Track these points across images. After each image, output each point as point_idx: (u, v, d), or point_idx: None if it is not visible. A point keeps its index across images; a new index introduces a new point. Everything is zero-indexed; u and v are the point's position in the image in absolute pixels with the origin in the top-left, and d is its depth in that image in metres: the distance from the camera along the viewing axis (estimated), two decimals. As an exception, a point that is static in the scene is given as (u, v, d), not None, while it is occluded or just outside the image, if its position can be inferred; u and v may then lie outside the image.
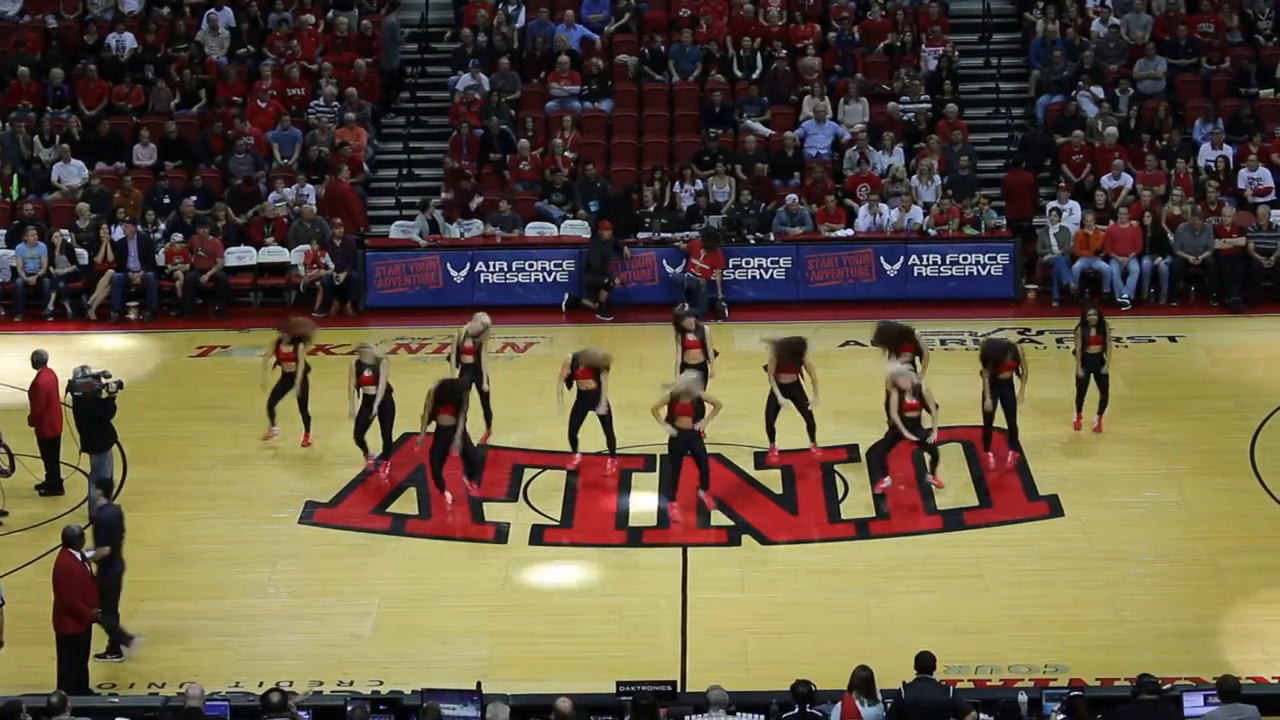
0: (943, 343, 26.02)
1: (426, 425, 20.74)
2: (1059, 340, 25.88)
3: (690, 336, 22.38)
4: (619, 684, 14.96)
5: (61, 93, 31.80)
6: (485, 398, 22.47)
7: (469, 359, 22.44)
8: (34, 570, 18.89)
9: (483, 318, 22.68)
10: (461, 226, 29.49)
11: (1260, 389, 24.29)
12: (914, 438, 20.69)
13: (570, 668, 17.18)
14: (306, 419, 22.65)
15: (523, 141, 30.75)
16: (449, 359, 22.84)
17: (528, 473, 21.78)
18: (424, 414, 20.72)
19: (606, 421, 21.63)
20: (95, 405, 20.64)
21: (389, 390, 21.63)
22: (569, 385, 21.59)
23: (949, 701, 14.56)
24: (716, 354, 22.53)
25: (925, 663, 14.72)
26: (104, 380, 20.72)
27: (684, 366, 22.21)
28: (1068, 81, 31.44)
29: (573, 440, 21.74)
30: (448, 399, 20.61)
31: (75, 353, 23.86)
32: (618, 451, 21.83)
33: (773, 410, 21.79)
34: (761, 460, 21.93)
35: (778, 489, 21.38)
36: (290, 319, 22.83)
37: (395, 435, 21.79)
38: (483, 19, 32.83)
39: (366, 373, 21.58)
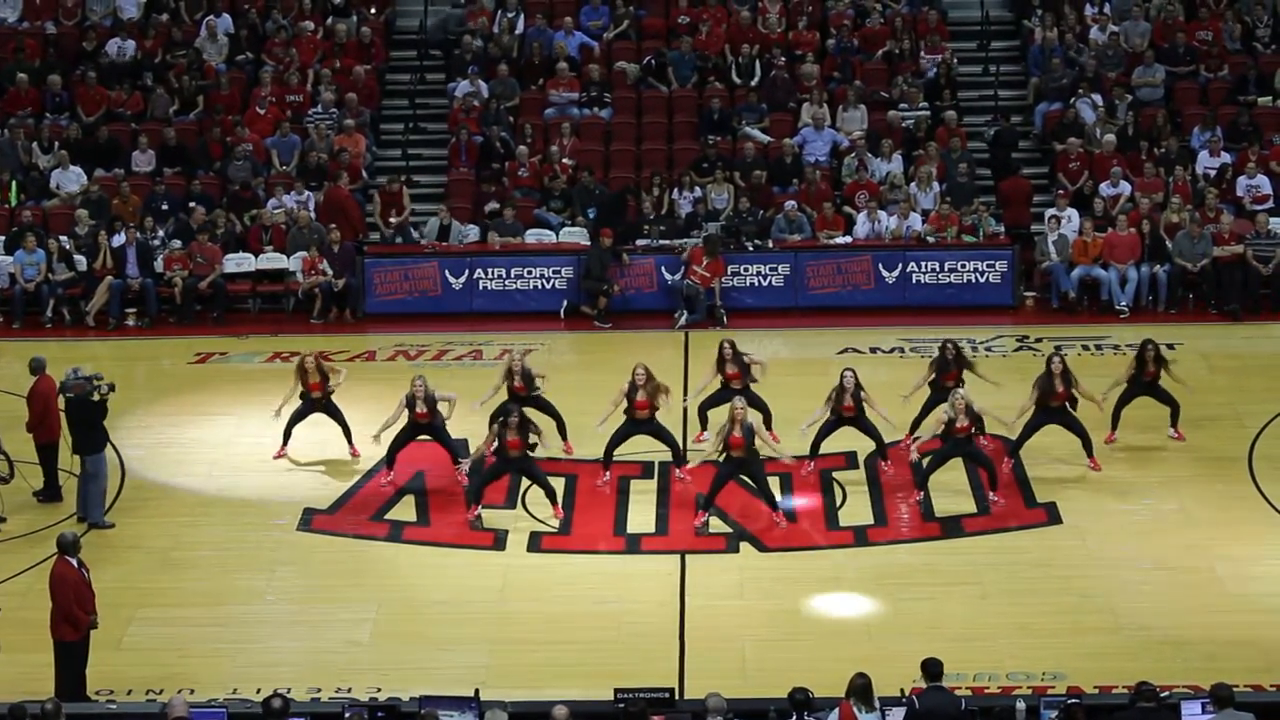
0: (941, 350, 26.00)
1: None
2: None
3: (730, 368, 22.27)
4: (617, 691, 14.96)
5: (60, 99, 31.81)
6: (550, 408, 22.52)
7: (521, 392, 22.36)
8: (32, 577, 18.88)
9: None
10: (459, 233, 29.48)
11: (1258, 396, 24.30)
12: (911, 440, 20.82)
13: (568, 675, 17.17)
14: (347, 431, 22.55)
15: (521, 148, 30.76)
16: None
17: (526, 479, 21.69)
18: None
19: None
20: (86, 408, 20.64)
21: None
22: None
23: (962, 712, 14.54)
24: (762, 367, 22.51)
25: (935, 670, 14.66)
26: (95, 383, 20.73)
27: (725, 387, 22.16)
28: (1066, 89, 31.46)
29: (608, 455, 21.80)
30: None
31: (74, 360, 23.81)
32: (619, 458, 21.86)
33: (825, 431, 21.77)
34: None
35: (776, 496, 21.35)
36: (306, 360, 22.64)
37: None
38: (482, 25, 32.85)
39: (420, 408, 21.47)
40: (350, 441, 22.55)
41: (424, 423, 21.48)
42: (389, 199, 29.79)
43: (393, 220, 29.64)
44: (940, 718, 14.48)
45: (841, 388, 21.50)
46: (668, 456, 22.17)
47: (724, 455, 20.36)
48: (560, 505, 20.94)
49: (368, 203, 30.54)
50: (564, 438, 22.53)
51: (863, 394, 21.51)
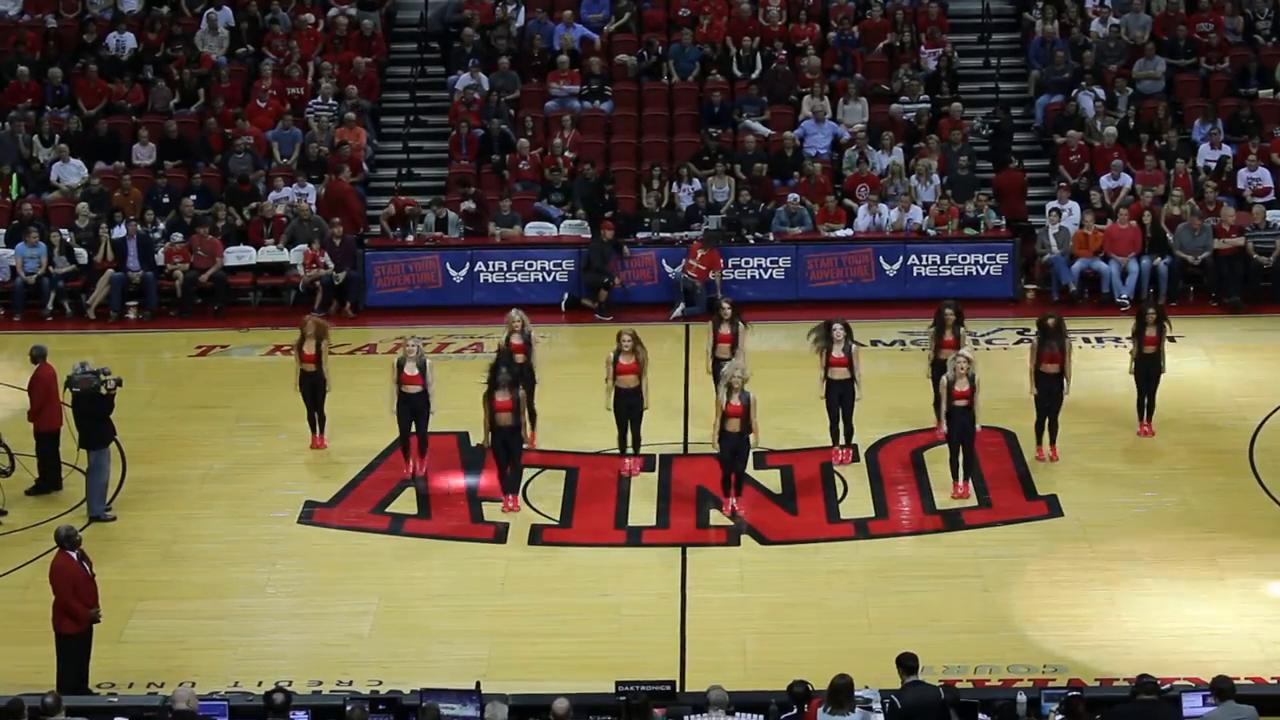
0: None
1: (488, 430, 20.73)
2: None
3: (724, 330, 22.31)
4: (618, 684, 14.97)
5: (61, 92, 31.79)
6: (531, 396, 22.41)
7: (520, 357, 22.31)
8: (33, 570, 18.89)
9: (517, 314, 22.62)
10: (457, 225, 29.45)
11: (1259, 389, 24.30)
12: (944, 429, 20.88)
13: (569, 667, 17.20)
14: (322, 418, 22.63)
15: (522, 141, 30.75)
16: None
17: (527, 472, 21.68)
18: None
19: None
20: (94, 402, 20.65)
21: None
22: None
23: (943, 700, 14.55)
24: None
25: (911, 664, 14.64)
26: (103, 377, 20.75)
27: (715, 361, 22.21)
28: (1068, 82, 31.45)
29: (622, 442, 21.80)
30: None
31: (74, 353, 23.82)
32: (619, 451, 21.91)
33: (832, 408, 21.80)
34: (761, 461, 21.88)
35: (777, 489, 21.37)
36: (307, 319, 22.76)
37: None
38: (474, 16, 32.78)
39: (410, 369, 21.53)
40: (321, 430, 22.60)
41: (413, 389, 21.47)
42: (392, 219, 29.66)
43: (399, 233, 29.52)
44: (924, 710, 14.46)
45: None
46: (669, 449, 22.20)
47: (720, 434, 20.34)
48: (519, 497, 20.93)
49: (368, 195, 30.58)
50: (531, 426, 22.47)
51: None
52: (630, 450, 21.72)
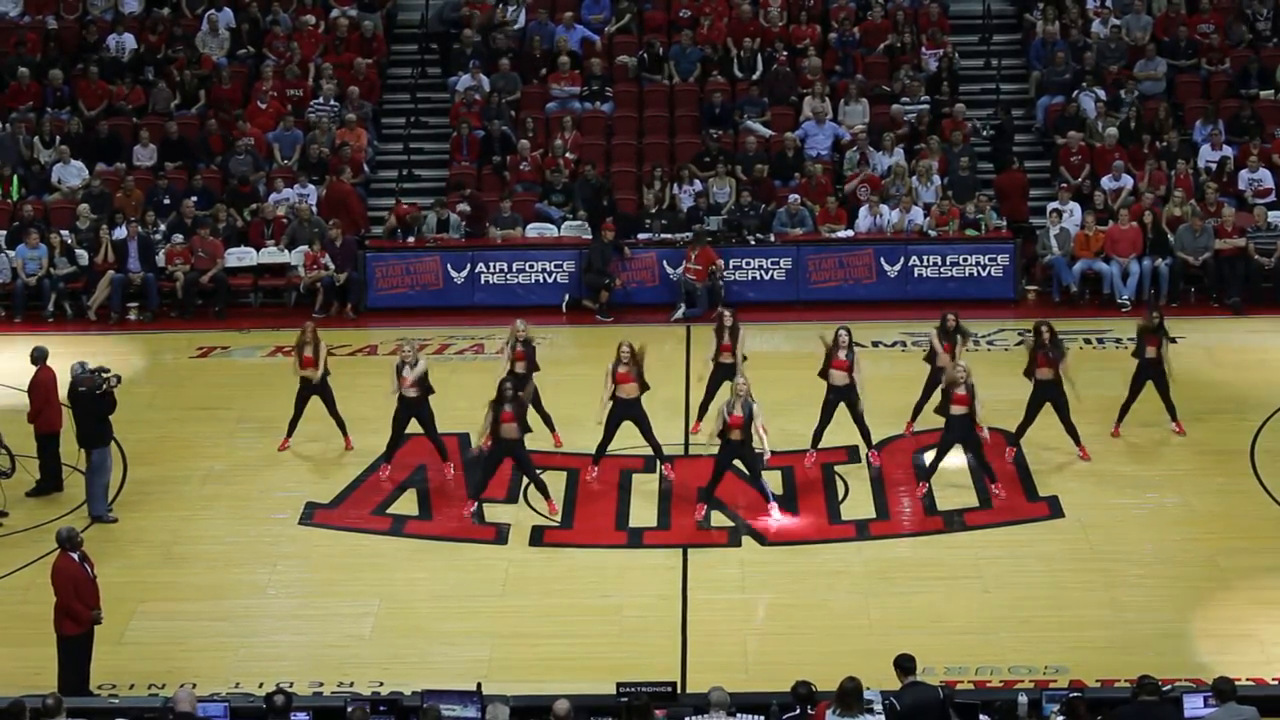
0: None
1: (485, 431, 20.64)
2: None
3: (726, 339, 22.31)
4: (619, 685, 14.96)
5: (61, 93, 31.80)
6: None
7: (520, 365, 22.30)
8: (34, 571, 18.90)
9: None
10: (457, 226, 29.44)
11: (1260, 390, 24.30)
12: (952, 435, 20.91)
13: (571, 669, 17.20)
14: (340, 423, 22.60)
15: (523, 142, 30.75)
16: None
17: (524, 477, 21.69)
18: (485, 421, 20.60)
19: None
20: (94, 400, 20.65)
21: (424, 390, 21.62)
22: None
23: (943, 700, 14.55)
24: (745, 358, 22.42)
25: (909, 665, 14.63)
26: (104, 375, 20.76)
27: (717, 366, 22.24)
28: (1069, 83, 31.45)
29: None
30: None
31: (75, 355, 23.83)
32: (621, 452, 21.85)
33: (826, 412, 21.81)
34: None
35: (777, 490, 21.34)
36: (306, 326, 22.79)
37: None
38: (477, 16, 32.78)
39: (406, 373, 21.52)
40: (345, 433, 22.57)
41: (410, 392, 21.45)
42: (393, 228, 29.69)
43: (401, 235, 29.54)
44: (924, 711, 14.46)
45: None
46: (670, 450, 22.15)
47: (721, 440, 20.34)
48: (554, 500, 20.95)
49: (369, 196, 30.57)
50: (552, 430, 22.52)
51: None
52: (662, 457, 21.65)
